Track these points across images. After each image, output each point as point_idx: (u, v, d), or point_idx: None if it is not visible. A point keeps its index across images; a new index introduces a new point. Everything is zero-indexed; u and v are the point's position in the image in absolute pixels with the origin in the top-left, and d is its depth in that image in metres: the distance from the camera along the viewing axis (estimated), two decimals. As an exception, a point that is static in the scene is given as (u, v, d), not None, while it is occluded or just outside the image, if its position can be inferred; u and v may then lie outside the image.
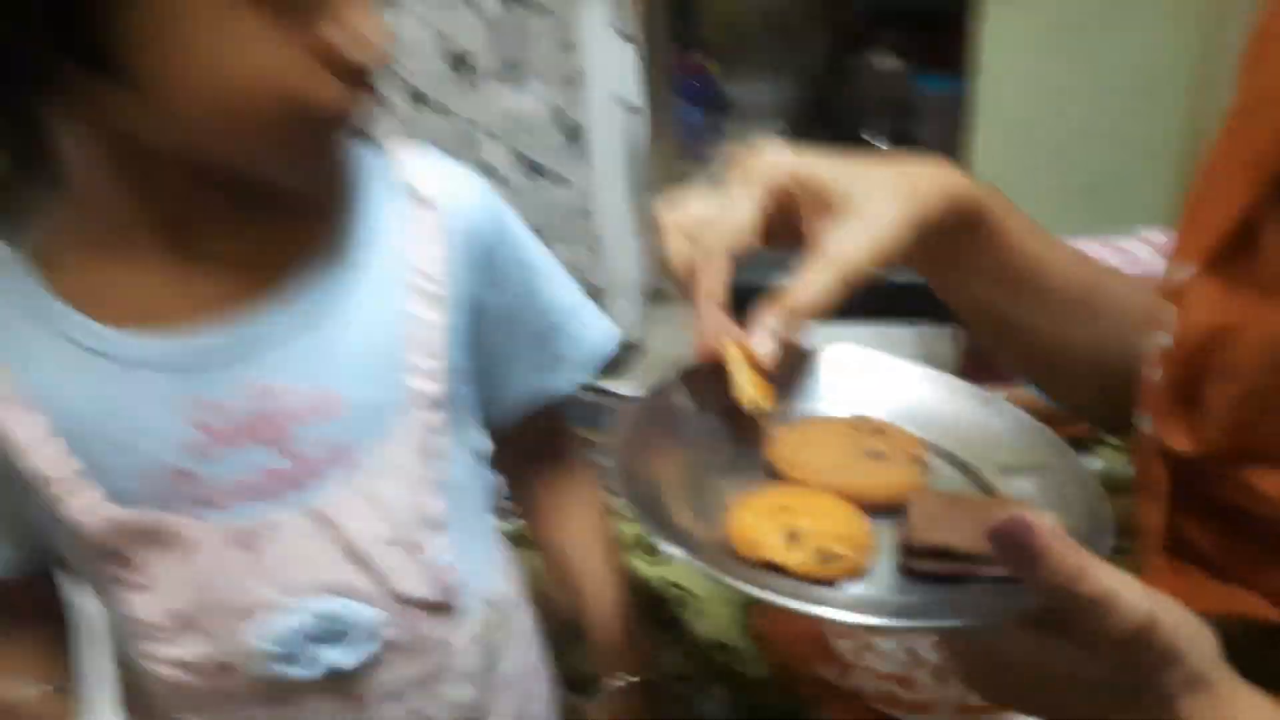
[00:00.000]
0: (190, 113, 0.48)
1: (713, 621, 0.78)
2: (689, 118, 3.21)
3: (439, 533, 0.60)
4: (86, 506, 0.54)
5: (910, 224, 0.51)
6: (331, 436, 0.57)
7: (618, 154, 1.98)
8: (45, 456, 0.54)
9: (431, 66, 1.90)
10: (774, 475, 0.51)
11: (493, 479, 0.69)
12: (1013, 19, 1.72)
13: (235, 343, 0.55)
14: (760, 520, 0.47)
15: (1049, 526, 0.39)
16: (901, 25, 3.00)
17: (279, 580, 0.57)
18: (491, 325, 0.65)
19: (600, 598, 0.73)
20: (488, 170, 1.99)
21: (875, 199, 0.51)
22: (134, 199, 0.53)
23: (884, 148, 3.08)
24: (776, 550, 0.45)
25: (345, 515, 0.57)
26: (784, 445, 0.52)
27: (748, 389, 0.50)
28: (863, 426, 0.54)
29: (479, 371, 0.66)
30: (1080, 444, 0.79)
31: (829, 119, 3.11)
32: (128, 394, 0.54)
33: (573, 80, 1.90)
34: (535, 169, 1.98)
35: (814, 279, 0.49)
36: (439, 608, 0.61)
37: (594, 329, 0.71)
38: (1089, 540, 0.42)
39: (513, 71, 1.90)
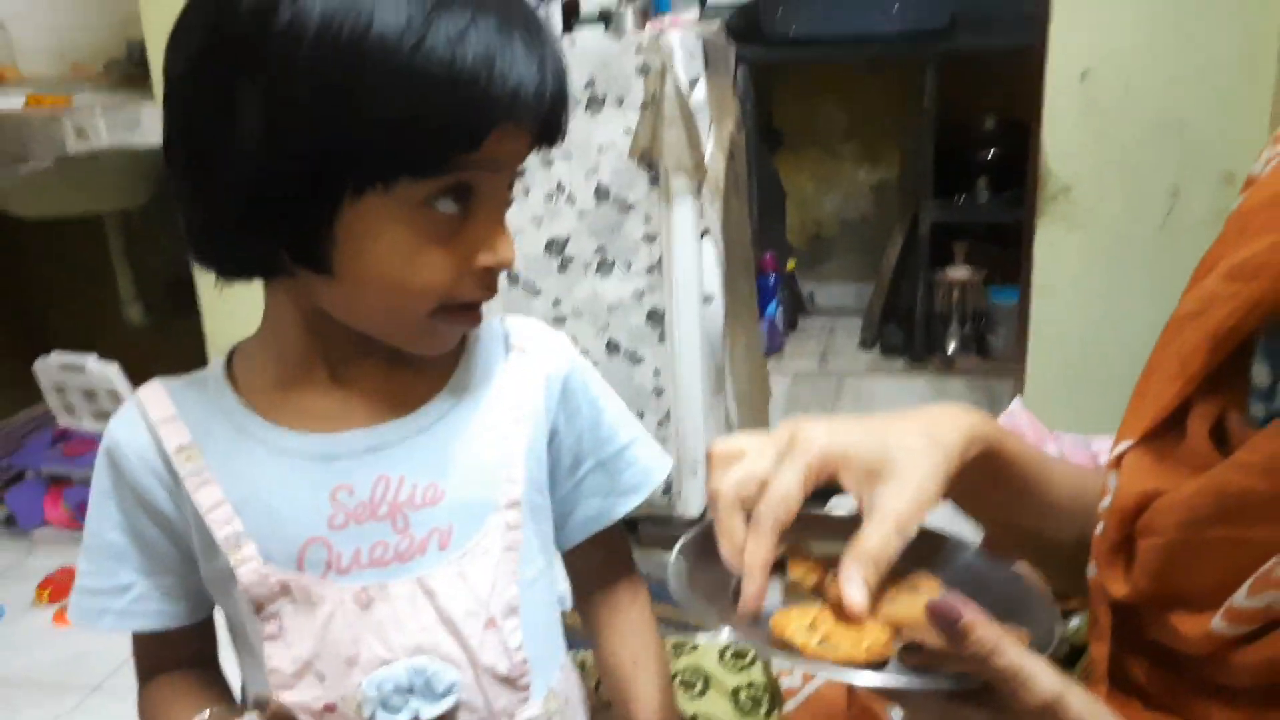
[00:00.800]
0: (366, 299, 0.66)
1: None
2: (769, 312, 3.38)
3: (513, 616, 0.72)
4: (244, 561, 0.69)
5: (942, 473, 0.60)
6: (436, 521, 0.71)
7: (694, 339, 2.13)
8: (217, 517, 0.69)
9: (531, 251, 2.10)
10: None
11: (556, 592, 0.81)
12: (1063, 236, 1.85)
13: (368, 441, 0.71)
14: (797, 615, 0.58)
15: (974, 610, 0.49)
16: (977, 237, 3.16)
17: (385, 636, 0.69)
18: (565, 451, 0.79)
19: (650, 710, 0.80)
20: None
21: (910, 458, 0.60)
22: (309, 342, 0.71)
23: (957, 352, 3.19)
24: (796, 633, 0.56)
25: (441, 587, 0.70)
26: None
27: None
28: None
29: (555, 499, 0.80)
30: (1070, 612, 0.87)
31: (905, 322, 3.25)
32: (284, 475, 0.70)
33: (655, 270, 2.07)
34: (615, 347, 2.14)
35: (878, 534, 0.57)
36: (508, 681, 0.72)
37: (650, 457, 0.83)
38: (1038, 648, 0.52)
39: (602, 259, 2.09)
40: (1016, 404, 0.92)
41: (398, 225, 0.64)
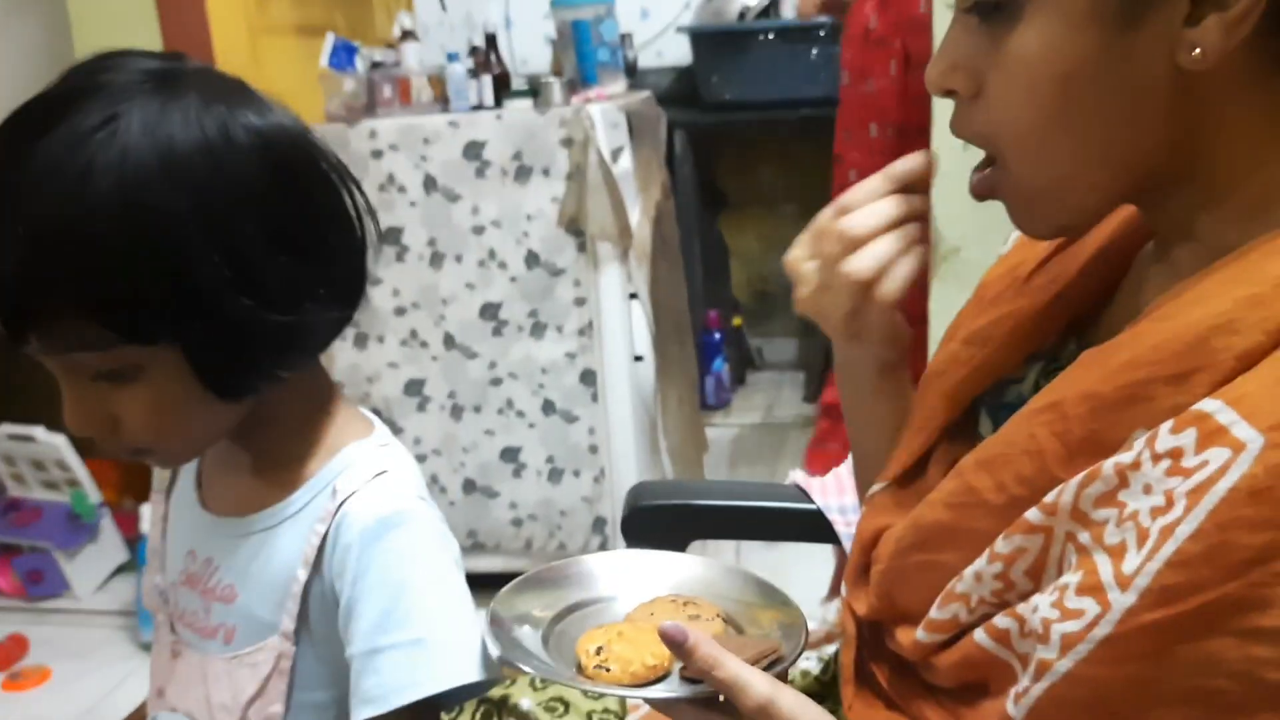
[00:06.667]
0: None
1: None
2: (715, 367, 3.47)
3: None
4: (153, 573, 0.89)
5: None
6: (225, 619, 0.81)
7: (625, 397, 2.20)
8: (153, 535, 0.90)
9: (466, 316, 2.18)
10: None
11: None
12: (955, 295, 1.91)
13: (214, 527, 0.84)
14: (594, 636, 0.66)
15: (697, 634, 0.58)
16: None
17: (178, 688, 0.83)
18: (343, 620, 0.76)
19: None
20: (510, 409, 2.22)
21: None
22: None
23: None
24: (587, 656, 0.64)
25: (212, 674, 0.81)
26: (637, 612, 0.71)
27: None
28: (679, 600, 0.73)
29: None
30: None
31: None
32: (184, 531, 0.86)
33: (586, 332, 2.15)
34: (551, 407, 2.21)
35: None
36: None
37: (400, 675, 0.73)
38: (790, 651, 0.64)
39: (534, 322, 2.17)
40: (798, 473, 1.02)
41: None
